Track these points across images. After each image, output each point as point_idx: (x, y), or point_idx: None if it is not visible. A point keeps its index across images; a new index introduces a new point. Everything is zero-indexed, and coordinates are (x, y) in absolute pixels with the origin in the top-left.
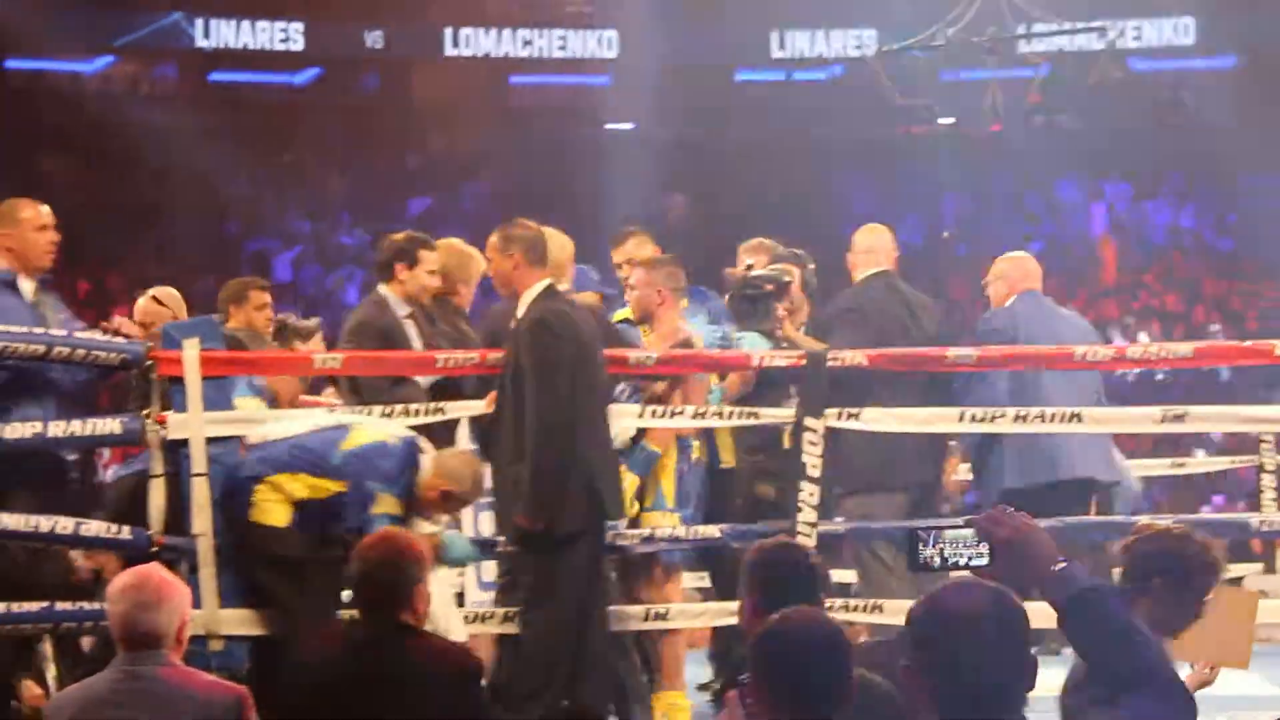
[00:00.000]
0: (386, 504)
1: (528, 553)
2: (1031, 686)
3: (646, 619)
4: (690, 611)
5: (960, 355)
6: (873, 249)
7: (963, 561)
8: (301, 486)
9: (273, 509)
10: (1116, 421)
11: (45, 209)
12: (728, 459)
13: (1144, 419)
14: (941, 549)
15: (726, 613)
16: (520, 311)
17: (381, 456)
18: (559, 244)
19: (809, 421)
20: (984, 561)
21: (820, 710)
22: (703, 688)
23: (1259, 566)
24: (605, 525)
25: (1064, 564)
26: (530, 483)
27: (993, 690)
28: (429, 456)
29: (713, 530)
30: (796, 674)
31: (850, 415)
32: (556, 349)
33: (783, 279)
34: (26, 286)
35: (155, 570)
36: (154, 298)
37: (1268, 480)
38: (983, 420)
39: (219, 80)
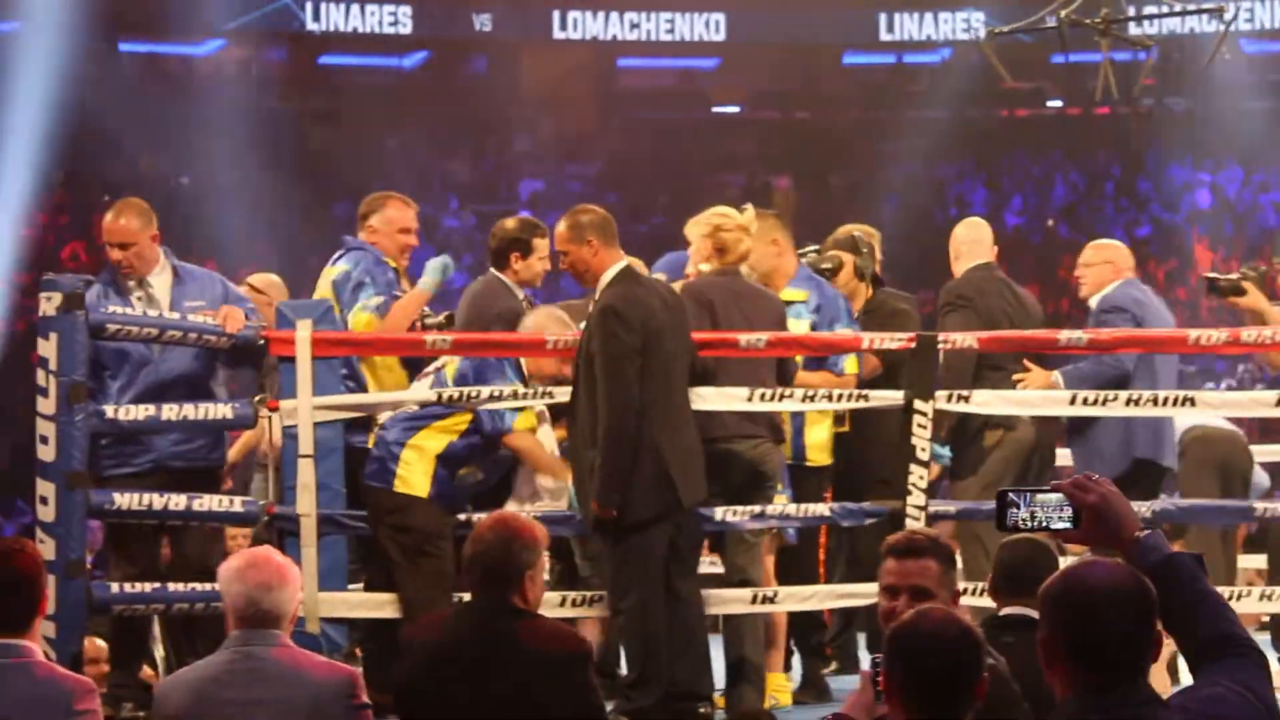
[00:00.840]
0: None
1: (604, 540)
2: (1156, 658)
3: (755, 601)
4: (800, 594)
5: (1072, 338)
6: (977, 240)
7: (1050, 525)
8: (437, 434)
9: (416, 477)
10: (1232, 406)
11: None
12: (816, 458)
13: (1259, 403)
14: (1032, 511)
15: (835, 596)
16: (598, 295)
17: (483, 366)
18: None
19: (918, 404)
20: (1069, 525)
21: (951, 710)
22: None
23: None
24: (681, 509)
25: (1146, 531)
26: (599, 470)
27: (1125, 662)
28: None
29: (822, 508)
30: (930, 673)
31: (960, 398)
32: (624, 336)
33: (820, 266)
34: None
35: (272, 552)
36: (250, 285)
37: None
38: (1094, 403)
39: (328, 64)
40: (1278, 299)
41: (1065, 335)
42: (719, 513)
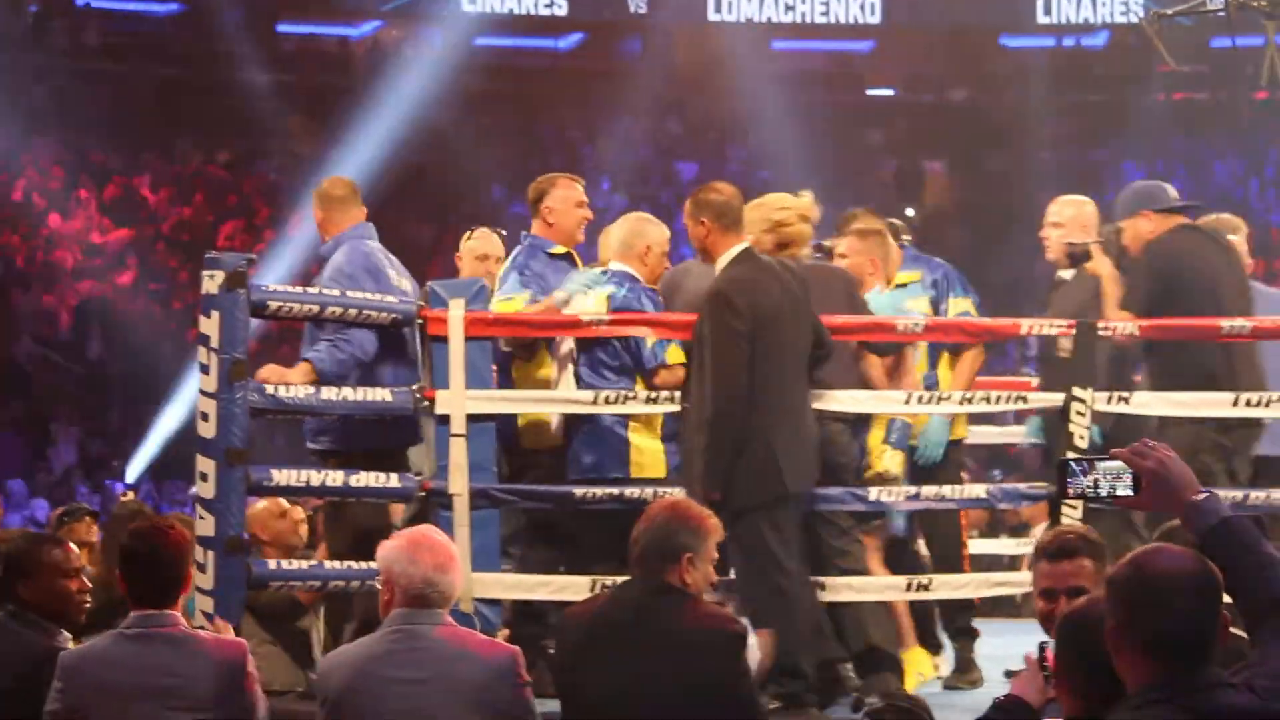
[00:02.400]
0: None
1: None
2: (1224, 643)
3: (909, 589)
4: (953, 583)
5: (1235, 326)
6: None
7: (1114, 491)
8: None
9: (651, 459)
10: None
11: None
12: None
13: None
14: (1095, 479)
15: (989, 584)
16: (717, 277)
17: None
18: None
19: (1077, 391)
20: (1130, 491)
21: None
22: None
23: None
24: (789, 496)
25: (1204, 494)
26: (702, 455)
27: (1193, 649)
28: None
29: (979, 490)
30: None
31: (1120, 399)
32: (731, 319)
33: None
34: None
35: (436, 531)
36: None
37: None
38: (1257, 405)
39: (484, 45)
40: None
41: (1228, 324)
42: (873, 492)
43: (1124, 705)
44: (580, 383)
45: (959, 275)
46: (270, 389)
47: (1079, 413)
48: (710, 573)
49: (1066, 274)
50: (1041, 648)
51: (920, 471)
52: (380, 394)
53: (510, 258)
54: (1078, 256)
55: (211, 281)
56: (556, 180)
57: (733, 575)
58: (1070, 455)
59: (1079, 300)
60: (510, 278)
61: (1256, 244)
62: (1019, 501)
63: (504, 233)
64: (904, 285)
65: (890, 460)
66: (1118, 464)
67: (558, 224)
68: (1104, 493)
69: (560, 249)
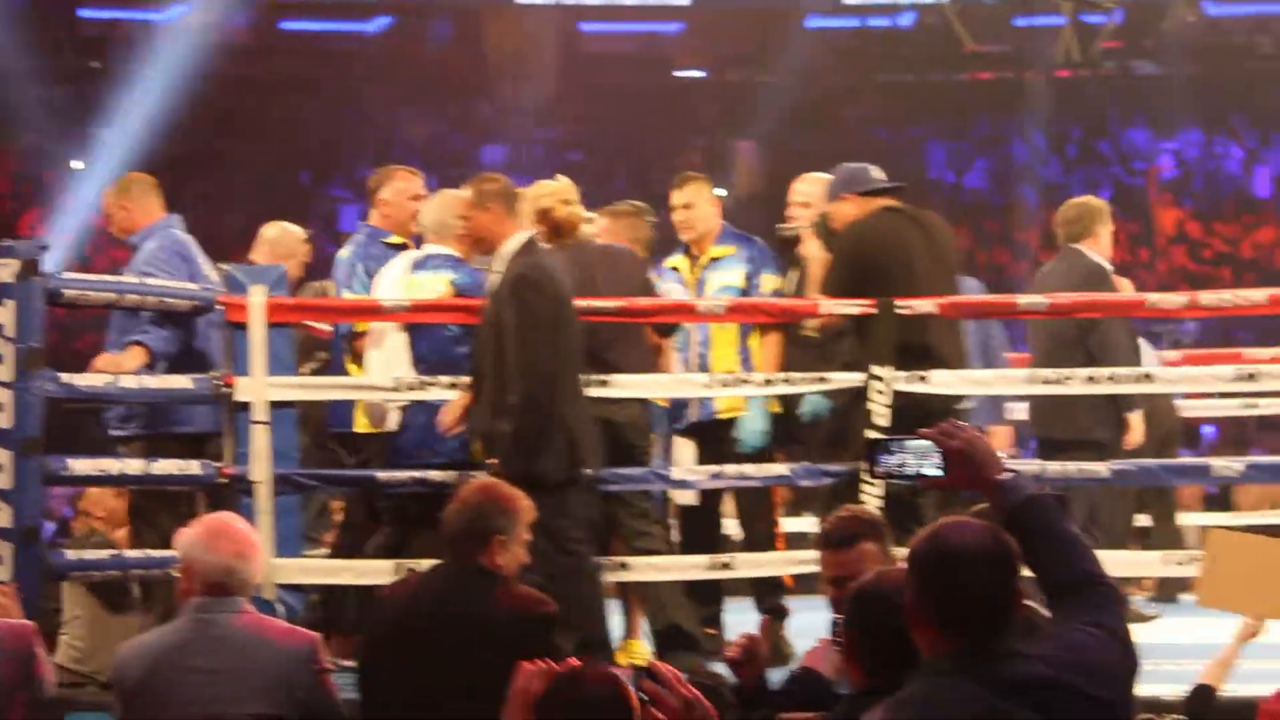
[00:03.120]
0: None
1: None
2: (1018, 614)
3: (712, 568)
4: (757, 561)
5: (1032, 303)
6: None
7: (919, 470)
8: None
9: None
10: (1188, 381)
11: None
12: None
13: (1216, 378)
14: (903, 459)
15: (792, 562)
16: (499, 265)
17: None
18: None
19: (876, 371)
20: (938, 471)
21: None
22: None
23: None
24: (582, 478)
25: (1010, 473)
26: (511, 438)
27: (989, 621)
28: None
29: (782, 468)
30: (889, 636)
31: (920, 378)
32: (537, 304)
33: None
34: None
35: (236, 519)
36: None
37: None
38: (1053, 381)
39: (290, 29)
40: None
41: (1025, 300)
42: (676, 472)
43: (920, 674)
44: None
45: (772, 254)
46: (66, 378)
47: (879, 391)
48: (521, 554)
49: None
50: (834, 624)
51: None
52: (180, 381)
53: (349, 247)
54: (788, 240)
55: (5, 270)
56: (394, 172)
57: None
58: (880, 436)
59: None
60: (355, 267)
61: (1045, 231)
62: (820, 479)
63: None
64: (718, 259)
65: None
66: (925, 444)
67: (393, 215)
68: (911, 472)
69: (396, 239)
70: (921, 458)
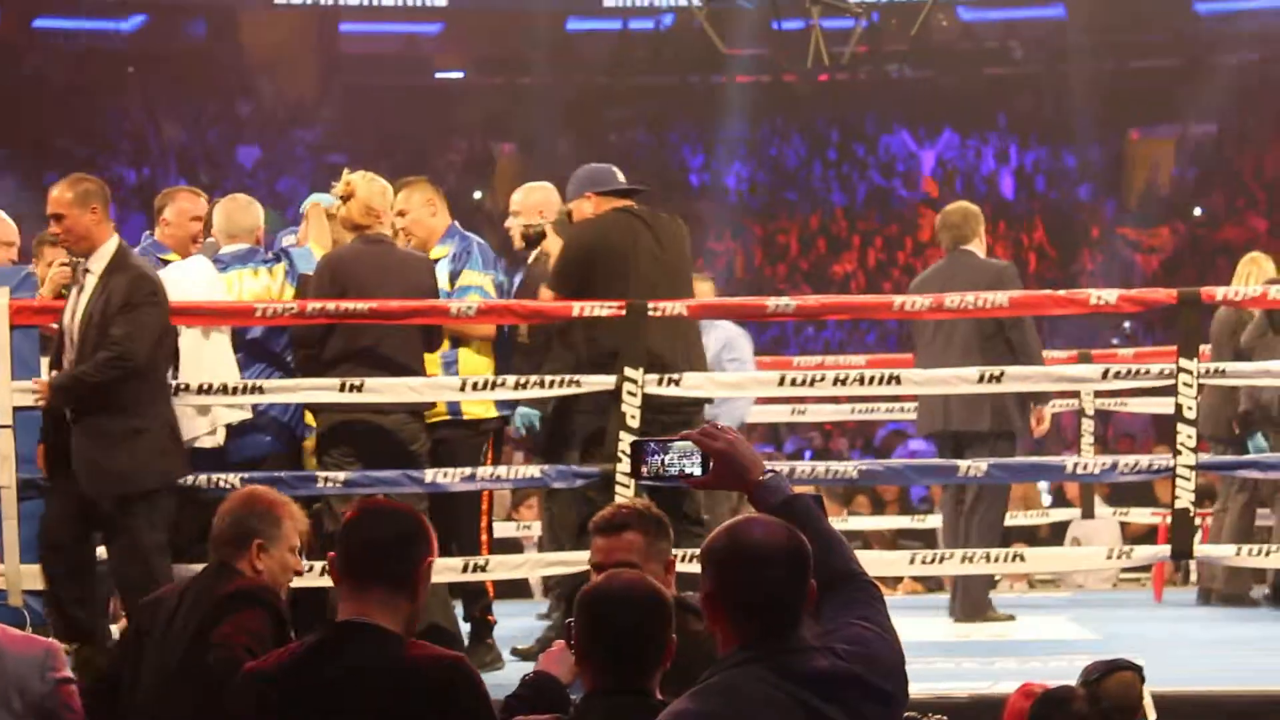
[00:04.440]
0: None
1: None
2: (812, 606)
3: (466, 570)
4: (510, 563)
5: (780, 305)
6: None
7: (683, 470)
8: None
9: None
10: (935, 383)
11: None
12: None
13: (962, 380)
14: (663, 459)
15: (545, 563)
16: (97, 264)
17: None
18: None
19: (629, 373)
20: (699, 471)
21: (637, 672)
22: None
23: (1076, 512)
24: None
25: (770, 474)
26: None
27: (784, 614)
28: None
29: (534, 470)
30: (614, 635)
31: (671, 381)
32: (153, 314)
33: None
34: None
35: None
36: None
37: (1086, 425)
38: (802, 384)
39: (43, 27)
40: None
41: (773, 302)
42: (429, 474)
43: (718, 665)
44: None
45: (485, 251)
46: None
47: (630, 394)
48: (288, 560)
49: (531, 255)
50: (567, 626)
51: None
52: None
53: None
54: (531, 238)
55: None
56: (177, 194)
57: None
58: (643, 438)
59: (539, 279)
60: None
61: (819, 226)
62: (573, 481)
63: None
64: (438, 260)
65: None
66: (688, 445)
67: (173, 234)
68: (675, 472)
69: (173, 257)
70: (684, 458)
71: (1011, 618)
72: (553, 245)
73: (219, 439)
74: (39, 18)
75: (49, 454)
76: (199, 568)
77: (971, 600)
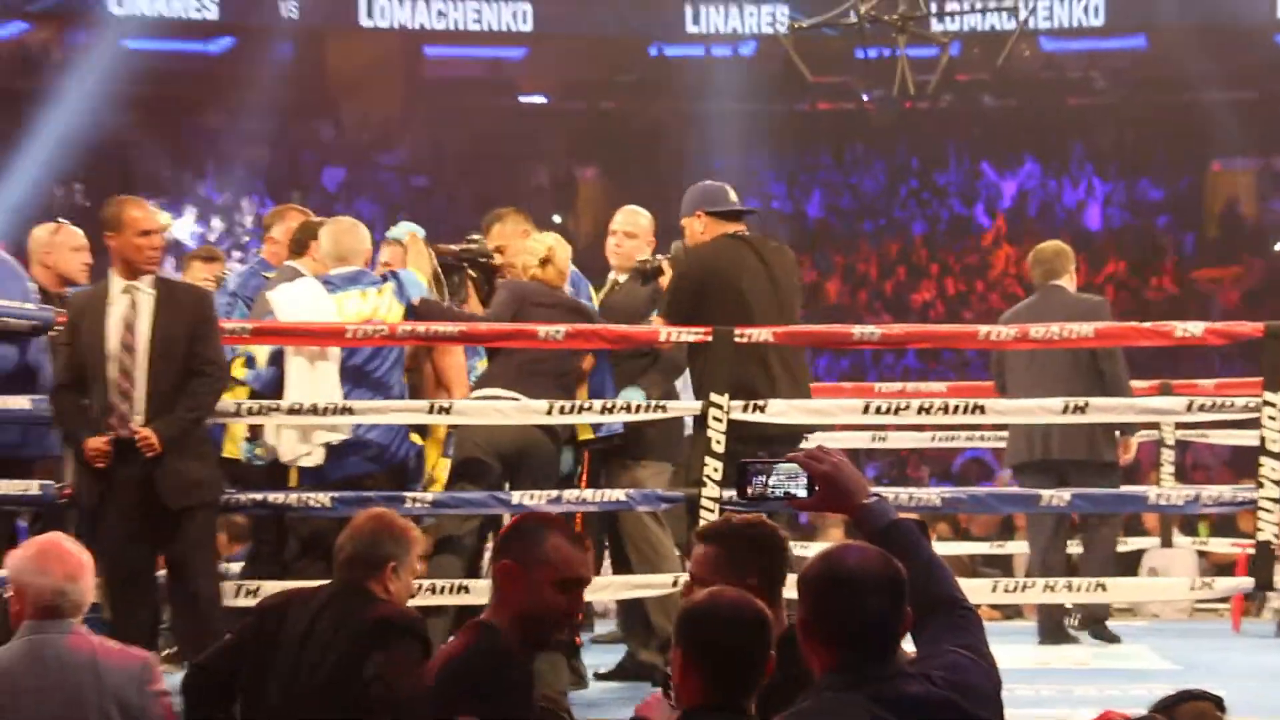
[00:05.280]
0: None
1: None
2: (904, 634)
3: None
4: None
5: (865, 333)
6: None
7: (788, 492)
8: None
9: None
10: (1020, 412)
11: None
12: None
13: (1047, 410)
14: (768, 480)
15: (629, 586)
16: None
17: None
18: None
19: (715, 399)
20: (804, 493)
21: (743, 687)
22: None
23: (1156, 541)
24: None
25: (874, 498)
26: None
27: (880, 640)
28: None
29: (619, 494)
30: (723, 655)
31: (757, 407)
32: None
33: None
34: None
35: (65, 539)
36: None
37: (1166, 455)
38: (886, 412)
39: (133, 48)
40: None
41: (859, 330)
42: (516, 496)
43: (813, 691)
44: None
45: (583, 280)
46: None
47: (715, 419)
48: (411, 584)
49: (621, 277)
50: (665, 677)
51: None
52: (18, 402)
53: (233, 275)
54: (649, 273)
55: None
56: (286, 212)
57: None
58: (751, 459)
59: (631, 306)
60: (235, 296)
61: (899, 255)
62: (657, 505)
63: None
64: None
65: (443, 470)
66: (793, 466)
67: (278, 252)
68: (780, 493)
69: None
70: (789, 479)
71: (1117, 639)
72: (666, 279)
73: (317, 459)
74: (129, 39)
75: (102, 475)
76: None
77: (1053, 623)
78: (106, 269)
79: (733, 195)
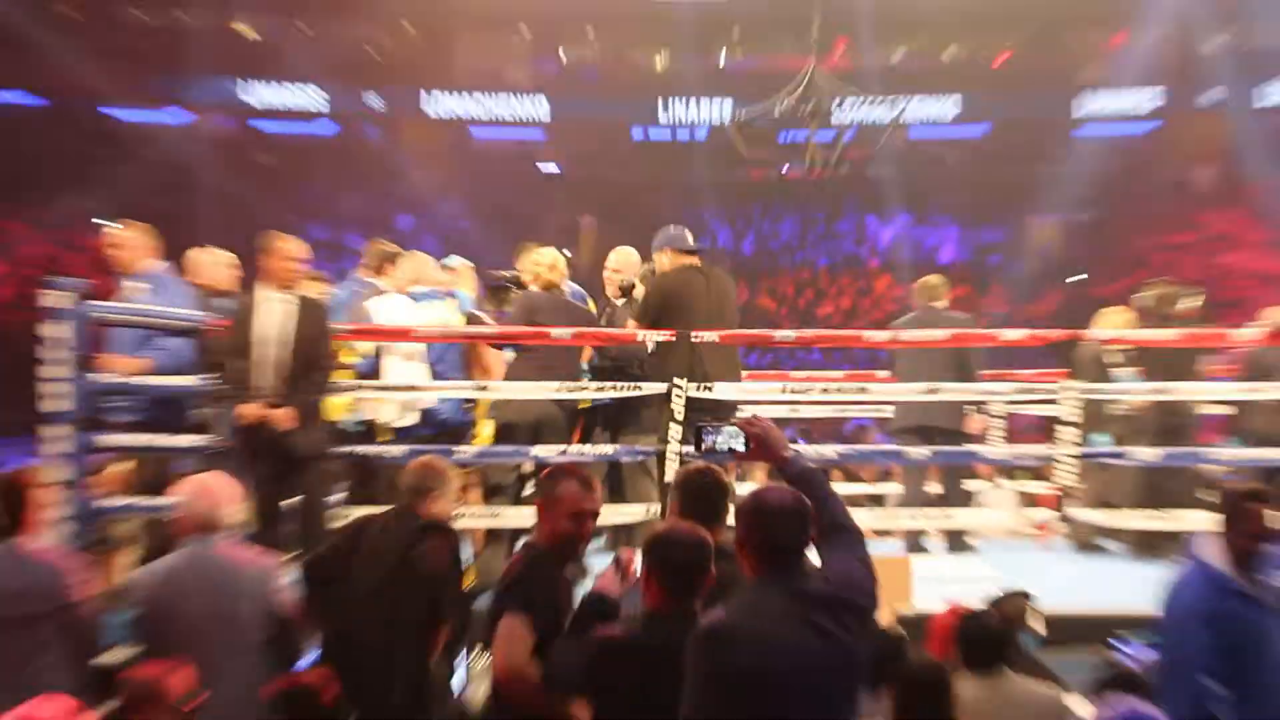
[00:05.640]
0: None
1: None
2: (808, 544)
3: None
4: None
5: (784, 335)
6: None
7: (731, 447)
8: None
9: None
10: (893, 393)
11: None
12: None
13: (912, 391)
14: (716, 439)
15: (614, 514)
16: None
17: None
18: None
19: (677, 381)
20: (743, 448)
21: (694, 589)
22: None
23: (989, 484)
24: None
25: (792, 453)
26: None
27: (792, 552)
28: None
29: (608, 448)
30: (677, 565)
31: (705, 388)
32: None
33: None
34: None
35: (219, 476)
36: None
37: (996, 423)
38: (798, 392)
39: (260, 128)
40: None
41: (780, 334)
42: (537, 450)
43: (745, 589)
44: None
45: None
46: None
47: (677, 395)
48: (448, 508)
49: (619, 302)
50: (616, 557)
51: None
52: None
53: (343, 288)
54: (627, 289)
55: (64, 299)
56: (377, 244)
57: None
58: (704, 422)
59: (624, 317)
60: (348, 303)
61: (809, 280)
62: (636, 456)
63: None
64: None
65: (487, 429)
66: (735, 429)
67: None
68: (725, 449)
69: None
70: (732, 438)
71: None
72: (640, 293)
73: (411, 420)
74: (257, 120)
75: (251, 432)
76: (376, 509)
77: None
78: (252, 281)
79: (690, 237)
